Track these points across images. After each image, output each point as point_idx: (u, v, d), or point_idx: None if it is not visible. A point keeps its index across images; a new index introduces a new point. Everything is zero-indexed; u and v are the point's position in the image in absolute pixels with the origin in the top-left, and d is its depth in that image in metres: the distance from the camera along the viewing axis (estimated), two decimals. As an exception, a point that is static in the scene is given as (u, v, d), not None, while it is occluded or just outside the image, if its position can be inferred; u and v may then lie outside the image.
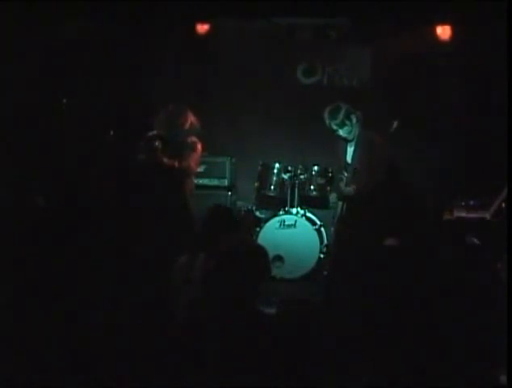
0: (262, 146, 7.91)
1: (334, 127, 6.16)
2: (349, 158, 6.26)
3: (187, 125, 6.27)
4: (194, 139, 6.33)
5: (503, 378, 3.50)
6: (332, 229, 6.54)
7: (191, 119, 6.29)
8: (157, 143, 6.16)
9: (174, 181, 6.25)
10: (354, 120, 6.13)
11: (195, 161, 6.33)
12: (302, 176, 7.38)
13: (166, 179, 6.18)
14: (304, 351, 3.20)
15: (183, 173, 6.25)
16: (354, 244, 5.84)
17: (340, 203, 6.32)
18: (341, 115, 6.11)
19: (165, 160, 6.18)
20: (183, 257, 4.48)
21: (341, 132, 6.19)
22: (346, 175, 6.24)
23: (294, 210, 7.40)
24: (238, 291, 3.15)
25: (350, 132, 6.17)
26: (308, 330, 3.49)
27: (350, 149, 6.25)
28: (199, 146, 6.34)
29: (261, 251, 3.39)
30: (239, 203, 7.93)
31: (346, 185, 6.20)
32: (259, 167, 7.53)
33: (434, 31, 7.36)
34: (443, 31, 7.30)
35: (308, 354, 3.20)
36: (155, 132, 6.22)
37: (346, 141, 6.24)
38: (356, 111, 6.18)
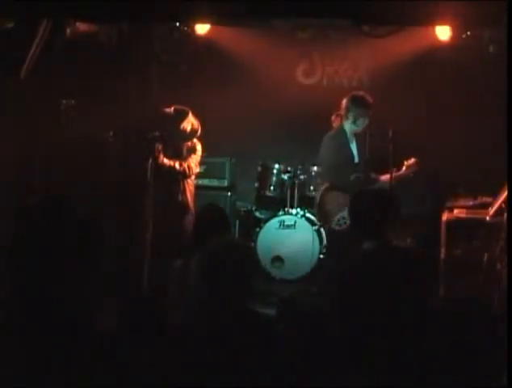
0: (262, 146, 7.92)
1: (349, 115, 6.03)
2: (356, 159, 6.19)
3: (188, 127, 6.28)
4: (194, 140, 6.36)
5: (503, 378, 3.50)
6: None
7: (192, 120, 6.31)
8: (157, 144, 6.17)
9: (174, 182, 6.26)
10: (366, 123, 6.04)
11: (196, 162, 6.36)
12: (302, 177, 7.38)
13: (167, 180, 6.20)
14: (304, 351, 3.21)
15: (184, 174, 6.27)
16: (350, 243, 5.79)
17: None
18: (362, 110, 6.01)
19: (166, 161, 6.20)
20: (179, 260, 4.46)
21: (347, 124, 6.06)
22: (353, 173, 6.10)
23: (293, 211, 7.40)
24: (227, 290, 3.13)
25: (350, 130, 6.11)
26: (308, 330, 3.49)
27: (354, 149, 6.18)
28: (200, 148, 6.37)
29: (248, 250, 3.38)
30: (239, 203, 7.94)
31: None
32: (259, 168, 7.54)
33: (434, 31, 7.36)
34: (443, 31, 7.29)
35: (307, 354, 3.21)
36: (156, 133, 6.23)
37: (344, 138, 6.17)
38: (368, 118, 6.06)
